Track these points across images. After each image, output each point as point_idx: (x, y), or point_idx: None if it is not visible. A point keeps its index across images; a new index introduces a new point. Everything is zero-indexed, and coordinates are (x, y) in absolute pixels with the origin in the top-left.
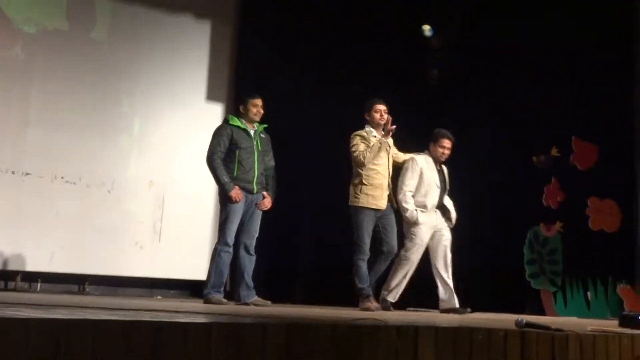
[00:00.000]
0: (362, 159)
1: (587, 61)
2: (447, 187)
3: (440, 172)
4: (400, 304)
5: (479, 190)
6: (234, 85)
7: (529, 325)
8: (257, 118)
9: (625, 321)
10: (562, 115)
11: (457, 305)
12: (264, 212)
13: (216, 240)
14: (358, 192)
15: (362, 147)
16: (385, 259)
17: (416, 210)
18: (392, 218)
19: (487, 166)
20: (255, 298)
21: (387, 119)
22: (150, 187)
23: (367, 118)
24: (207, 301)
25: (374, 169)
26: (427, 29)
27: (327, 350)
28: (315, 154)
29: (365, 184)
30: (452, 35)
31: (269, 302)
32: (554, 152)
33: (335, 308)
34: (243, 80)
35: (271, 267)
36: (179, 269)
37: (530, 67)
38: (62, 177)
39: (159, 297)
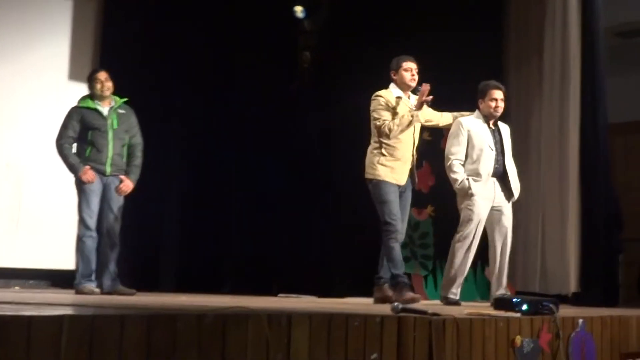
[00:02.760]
0: (388, 132)
1: (460, 51)
2: (506, 149)
3: (496, 132)
4: None
5: (351, 175)
6: (99, 65)
7: (406, 310)
8: (107, 93)
9: (499, 304)
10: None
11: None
12: (129, 197)
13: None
14: (376, 164)
15: (387, 115)
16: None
17: (467, 179)
18: (408, 197)
19: None
20: (119, 287)
21: (424, 89)
22: (6, 170)
23: (394, 77)
24: (78, 292)
25: (397, 139)
26: (299, 10)
27: (191, 343)
28: (183, 137)
29: (384, 155)
30: (323, 18)
31: (134, 291)
32: (426, 135)
33: (206, 296)
34: (109, 59)
35: (137, 255)
36: (39, 259)
37: (401, 49)
38: None
39: (16, 287)
